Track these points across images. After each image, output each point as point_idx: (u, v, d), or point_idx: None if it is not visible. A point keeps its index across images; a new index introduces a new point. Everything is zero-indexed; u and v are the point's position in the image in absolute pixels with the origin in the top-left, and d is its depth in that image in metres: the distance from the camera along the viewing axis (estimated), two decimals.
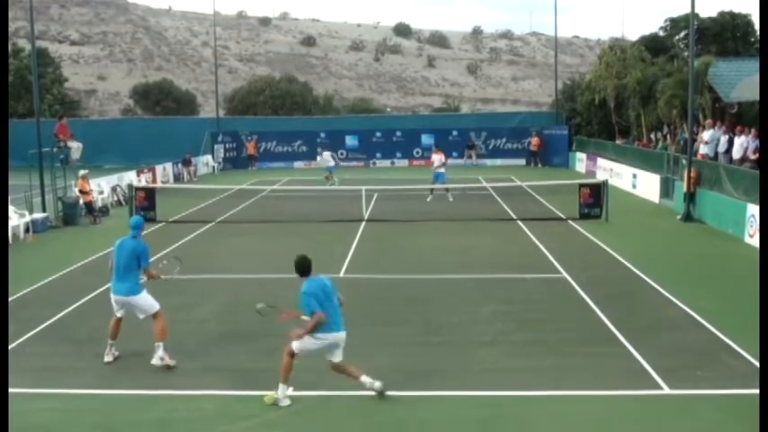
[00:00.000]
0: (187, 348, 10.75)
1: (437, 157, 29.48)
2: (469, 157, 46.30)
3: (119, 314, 10.53)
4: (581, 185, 24.49)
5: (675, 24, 45.27)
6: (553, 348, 10.89)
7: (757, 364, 9.99)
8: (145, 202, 24.60)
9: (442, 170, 29.17)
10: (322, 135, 48.50)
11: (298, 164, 47.62)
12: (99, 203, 26.09)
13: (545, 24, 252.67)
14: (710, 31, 42.53)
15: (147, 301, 10.40)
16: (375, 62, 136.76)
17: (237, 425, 8.48)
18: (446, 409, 8.86)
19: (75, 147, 25.61)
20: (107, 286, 15.10)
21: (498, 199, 28.37)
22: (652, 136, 36.86)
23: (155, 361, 10.12)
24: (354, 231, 21.43)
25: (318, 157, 36.37)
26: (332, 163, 34.53)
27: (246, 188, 32.13)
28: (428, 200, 28.18)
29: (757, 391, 8.91)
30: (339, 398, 9.18)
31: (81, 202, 24.42)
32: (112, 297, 10.45)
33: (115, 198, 29.16)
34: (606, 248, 18.51)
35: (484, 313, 12.86)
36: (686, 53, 37.32)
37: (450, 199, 28.31)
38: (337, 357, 9.03)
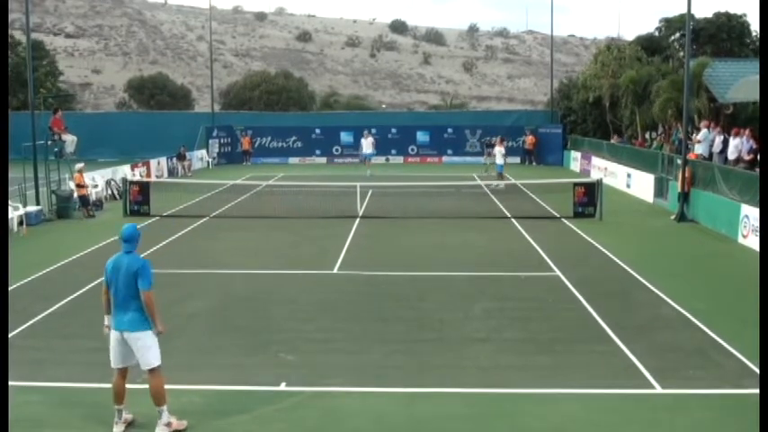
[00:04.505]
0: (179, 343, 10.71)
1: (499, 149, 32.23)
2: (488, 154, 46.31)
3: (118, 364, 8.17)
4: (575, 184, 24.55)
5: (670, 25, 45.30)
6: (545, 346, 10.91)
7: (749, 363, 10.02)
8: (139, 197, 24.58)
9: (501, 161, 32.02)
10: (317, 131, 48.52)
11: (292, 160, 47.57)
12: (93, 197, 26.00)
13: (541, 23, 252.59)
14: (706, 32, 42.56)
15: (152, 345, 8.08)
16: (371, 58, 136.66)
17: (230, 419, 8.47)
18: (438, 405, 8.86)
19: (70, 140, 25.54)
20: (100, 280, 15.14)
21: (493, 197, 28.40)
22: (647, 136, 36.92)
23: (159, 430, 8.08)
24: (349, 228, 21.43)
25: (363, 140, 40.91)
26: (368, 150, 40.09)
27: (241, 183, 32.11)
28: (501, 187, 30.25)
29: (749, 390, 8.98)
30: (332, 394, 9.18)
31: (75, 195, 24.36)
32: (111, 336, 8.18)
33: (109, 192, 29.11)
34: (600, 247, 18.54)
35: (477, 311, 12.88)
36: (681, 53, 37.37)
37: (494, 185, 30.59)
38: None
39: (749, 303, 12.25)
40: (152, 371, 8.08)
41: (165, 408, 8.08)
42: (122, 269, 8.05)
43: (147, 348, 8.03)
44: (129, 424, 8.26)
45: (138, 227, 8.46)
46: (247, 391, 9.22)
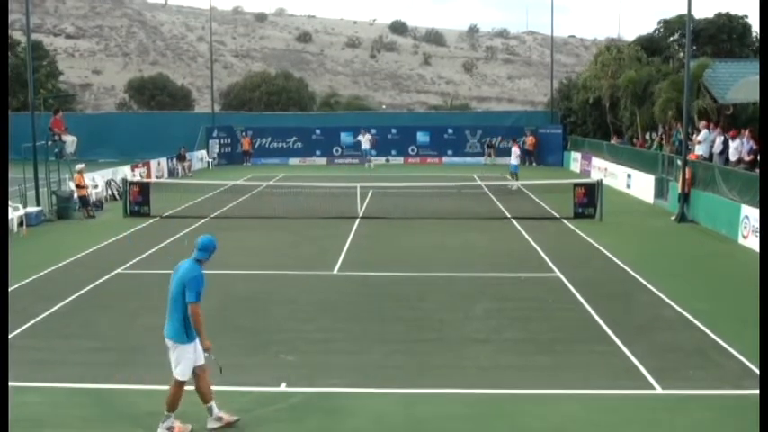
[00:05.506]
0: None
1: (515, 150, 34.02)
2: (489, 155, 46.62)
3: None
4: (575, 185, 24.55)
5: (669, 26, 45.26)
6: (546, 346, 10.92)
7: (749, 364, 10.02)
8: (139, 197, 24.57)
9: (517, 162, 33.55)
10: (317, 132, 48.52)
11: (293, 160, 47.56)
12: (93, 198, 26.01)
13: (541, 23, 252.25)
14: (706, 32, 42.53)
15: (184, 360, 8.05)
16: (371, 59, 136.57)
17: None
18: (437, 405, 8.87)
19: (70, 140, 25.55)
20: (101, 281, 15.21)
21: (493, 197, 28.40)
22: (647, 136, 36.90)
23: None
24: (349, 228, 21.43)
25: (360, 137, 44.85)
26: (366, 146, 44.01)
27: (241, 184, 32.13)
28: (514, 188, 30.81)
29: (749, 391, 8.98)
30: (332, 394, 9.18)
31: (75, 196, 24.37)
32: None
33: (109, 192, 29.11)
34: (600, 248, 18.54)
35: (477, 311, 12.88)
36: (681, 54, 37.34)
37: (513, 188, 30.91)
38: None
39: (749, 304, 12.25)
40: (176, 380, 8.11)
41: (172, 415, 8.14)
42: (177, 274, 8.09)
43: (179, 361, 8.06)
44: (231, 424, 8.22)
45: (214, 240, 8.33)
46: (247, 392, 9.22)
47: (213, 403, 8.28)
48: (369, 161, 44.29)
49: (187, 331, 8.01)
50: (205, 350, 8.16)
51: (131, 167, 32.56)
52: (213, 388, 9.29)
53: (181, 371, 8.05)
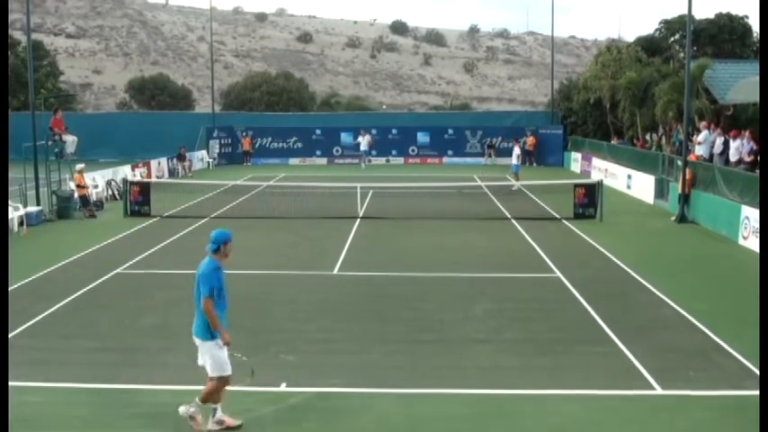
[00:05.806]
0: (180, 343, 10.71)
1: (516, 150, 34.06)
2: (489, 156, 46.68)
3: (201, 363, 8.26)
4: (576, 185, 24.54)
5: (670, 26, 45.29)
6: (545, 347, 10.91)
7: (749, 364, 10.02)
8: (139, 197, 24.56)
9: (518, 162, 33.61)
10: (317, 132, 48.52)
11: (293, 160, 47.55)
12: (93, 198, 26.00)
13: (542, 24, 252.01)
14: (706, 33, 42.56)
15: (213, 356, 8.07)
16: (371, 59, 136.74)
17: None
18: (437, 406, 8.86)
19: (70, 140, 25.55)
20: (101, 281, 15.20)
21: (493, 198, 28.39)
22: (647, 137, 36.92)
23: (181, 409, 8.16)
24: (349, 228, 21.42)
25: (360, 138, 44.95)
26: (365, 147, 44.41)
27: (241, 184, 32.12)
28: (514, 189, 30.75)
29: (749, 391, 8.98)
30: (332, 394, 9.18)
31: (76, 195, 24.37)
32: None
33: (110, 192, 29.11)
34: (600, 248, 18.53)
35: (477, 311, 12.87)
36: (682, 54, 37.34)
37: (513, 188, 30.88)
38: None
39: (749, 304, 12.25)
40: (212, 378, 8.15)
41: (200, 404, 8.15)
42: (198, 272, 8.19)
43: (207, 358, 8.11)
44: (232, 428, 8.21)
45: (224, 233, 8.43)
46: (247, 392, 9.21)
47: (219, 406, 8.27)
48: (368, 161, 44.77)
49: (210, 329, 8.05)
50: (225, 344, 8.13)
51: (132, 167, 32.57)
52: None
53: (210, 368, 8.07)
